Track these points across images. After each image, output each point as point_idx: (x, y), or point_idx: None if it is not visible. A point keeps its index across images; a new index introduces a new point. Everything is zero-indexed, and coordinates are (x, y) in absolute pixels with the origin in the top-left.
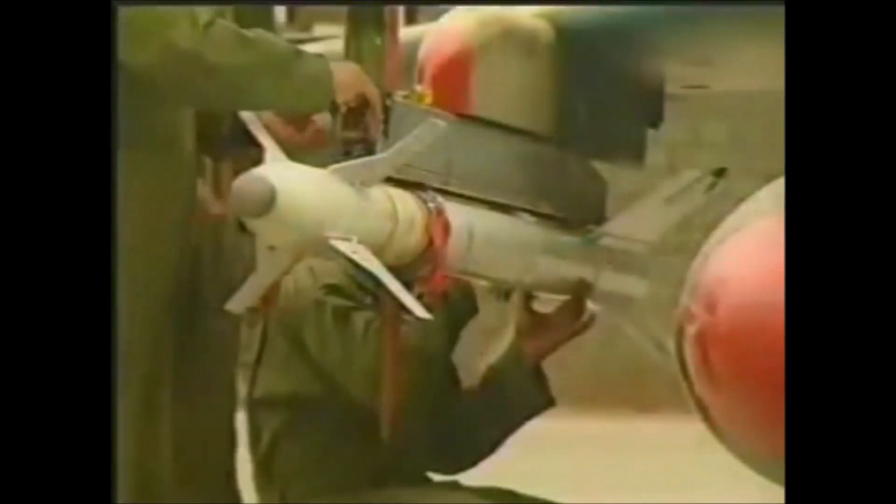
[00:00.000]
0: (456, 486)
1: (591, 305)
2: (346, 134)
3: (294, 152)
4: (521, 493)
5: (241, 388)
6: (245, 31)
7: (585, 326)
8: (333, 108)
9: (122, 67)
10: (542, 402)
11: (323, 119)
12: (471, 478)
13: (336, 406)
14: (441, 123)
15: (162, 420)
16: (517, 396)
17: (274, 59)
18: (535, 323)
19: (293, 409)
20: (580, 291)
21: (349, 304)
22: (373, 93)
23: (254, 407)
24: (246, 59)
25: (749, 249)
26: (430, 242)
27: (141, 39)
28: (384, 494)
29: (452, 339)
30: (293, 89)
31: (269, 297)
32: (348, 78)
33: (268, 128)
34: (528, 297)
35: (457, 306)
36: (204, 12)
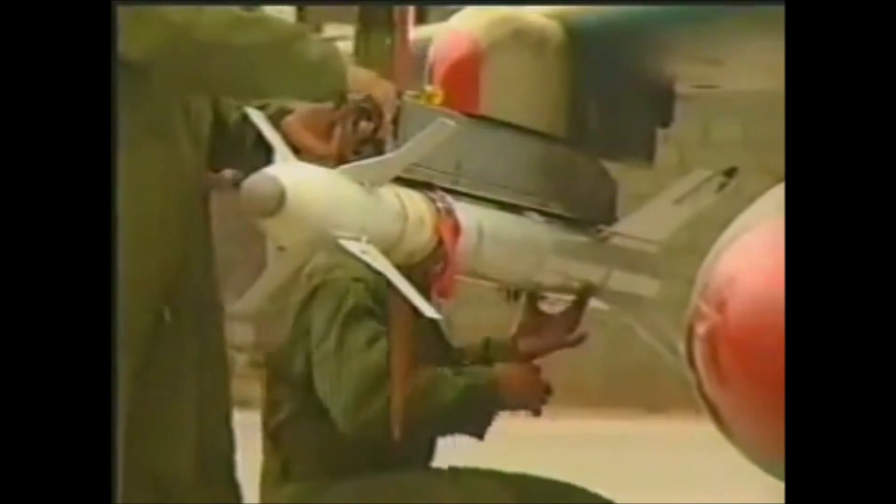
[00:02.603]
0: (457, 472)
1: (586, 318)
2: (356, 134)
3: (317, 162)
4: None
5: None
6: (243, 12)
7: (580, 340)
8: (342, 102)
9: (124, 61)
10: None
11: (346, 128)
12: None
13: None
14: (451, 123)
15: (170, 420)
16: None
17: (277, 40)
18: (537, 323)
19: (310, 392)
20: (585, 294)
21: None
22: (384, 92)
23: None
24: (245, 40)
25: (759, 248)
26: (440, 242)
27: (141, 29)
28: (385, 479)
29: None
30: (302, 73)
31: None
32: (360, 76)
33: (293, 138)
34: (536, 296)
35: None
36: None
